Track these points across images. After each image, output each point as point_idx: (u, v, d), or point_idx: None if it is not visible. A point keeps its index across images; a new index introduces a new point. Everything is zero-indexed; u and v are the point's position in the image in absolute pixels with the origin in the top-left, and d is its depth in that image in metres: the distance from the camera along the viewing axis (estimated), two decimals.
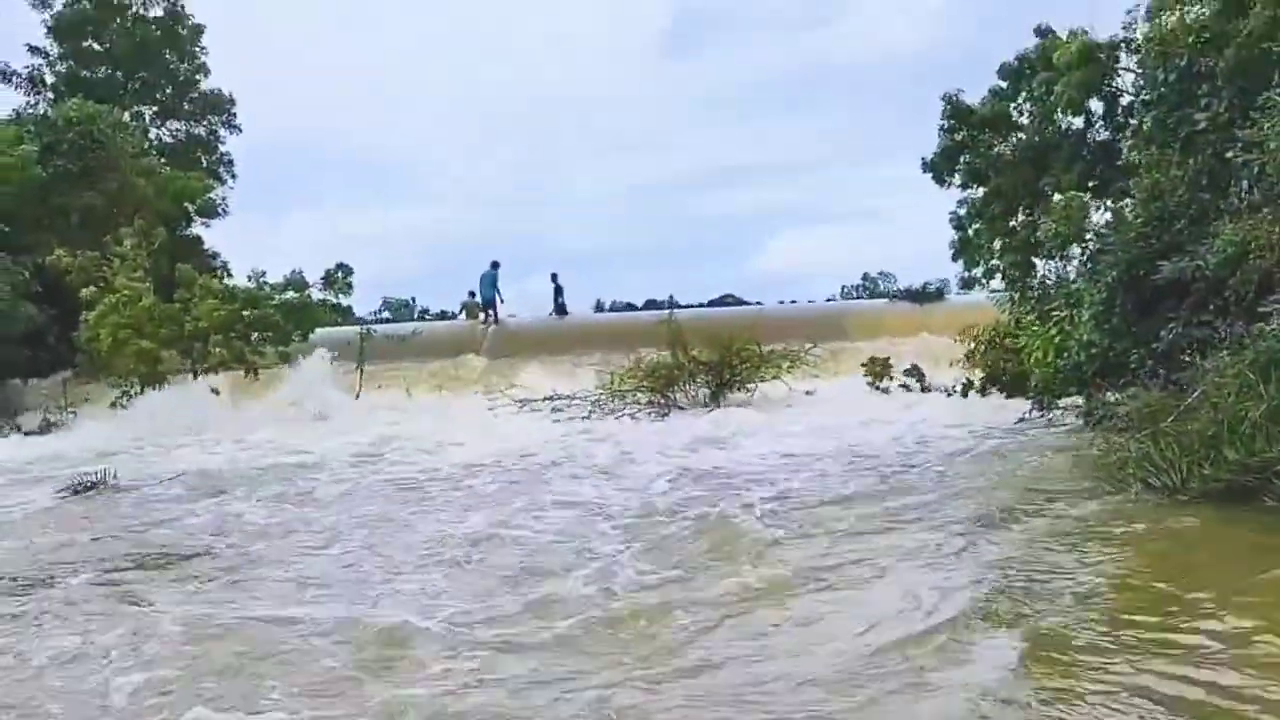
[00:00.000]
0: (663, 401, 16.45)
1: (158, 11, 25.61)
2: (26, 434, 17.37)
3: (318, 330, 20.18)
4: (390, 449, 13.10)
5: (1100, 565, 5.80)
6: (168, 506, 9.51)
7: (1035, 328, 11.81)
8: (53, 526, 8.78)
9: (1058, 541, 6.34)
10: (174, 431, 15.60)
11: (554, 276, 25.15)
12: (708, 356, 16.92)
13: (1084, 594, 5.17)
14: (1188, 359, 9.38)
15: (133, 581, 6.52)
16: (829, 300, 47.12)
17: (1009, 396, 13.43)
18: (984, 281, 17.95)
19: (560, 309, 25.05)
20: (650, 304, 45.37)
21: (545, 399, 16.84)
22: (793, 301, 42.14)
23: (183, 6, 25.70)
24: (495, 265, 23.77)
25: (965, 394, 15.16)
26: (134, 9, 25.36)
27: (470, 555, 6.90)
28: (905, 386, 17.06)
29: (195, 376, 18.68)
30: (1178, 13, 13.66)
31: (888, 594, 5.44)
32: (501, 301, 23.88)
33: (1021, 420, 12.15)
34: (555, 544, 7.13)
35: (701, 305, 44.33)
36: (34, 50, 24.80)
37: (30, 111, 23.47)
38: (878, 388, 17.25)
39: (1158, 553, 6.07)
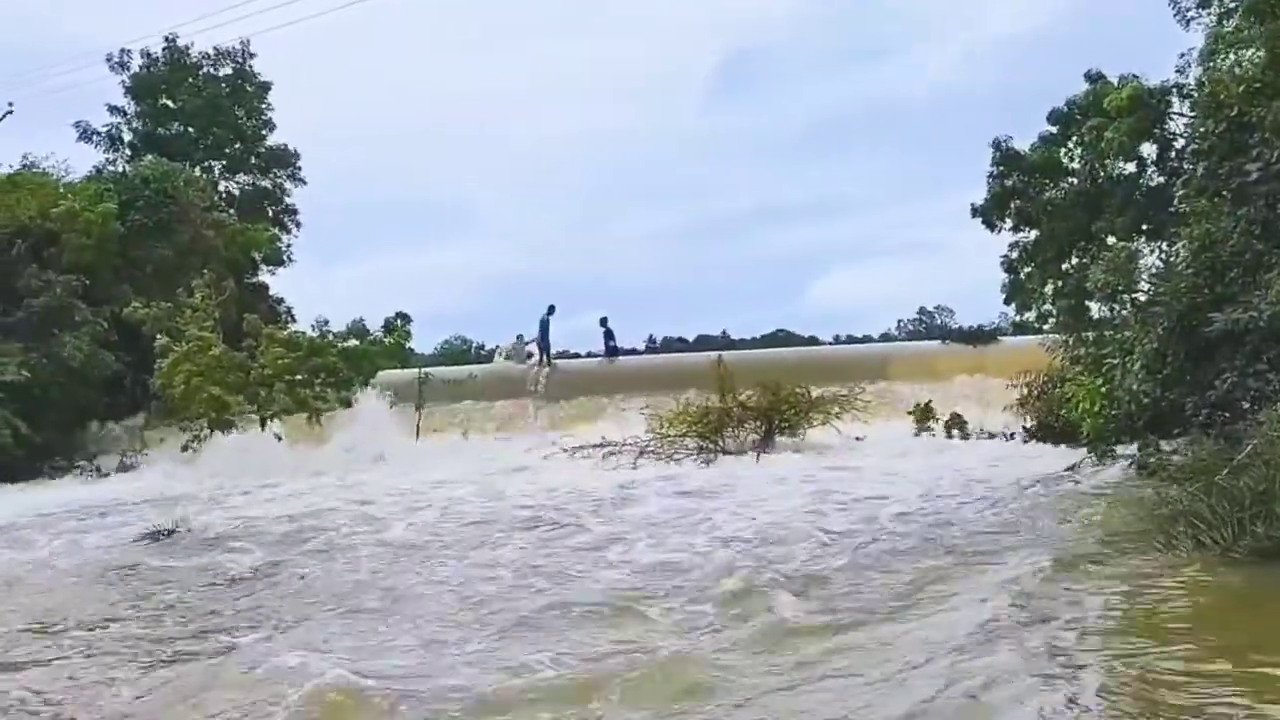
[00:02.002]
0: (711, 447, 16.60)
1: (227, 70, 26.86)
2: (104, 475, 18.27)
3: (379, 374, 20.83)
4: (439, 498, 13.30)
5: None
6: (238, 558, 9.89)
7: (1083, 379, 11.74)
8: (138, 580, 9.08)
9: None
10: (241, 474, 16.17)
11: (603, 321, 25.36)
12: (756, 402, 17.04)
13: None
14: (1245, 406, 9.34)
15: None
16: (884, 335, 46.93)
17: (1061, 445, 13.33)
18: (1037, 326, 17.81)
19: (612, 352, 25.30)
20: (702, 339, 45.63)
21: (596, 445, 17.08)
22: (848, 337, 42.09)
23: (250, 66, 26.91)
24: (551, 310, 24.24)
25: (1026, 440, 15.16)
26: (205, 69, 26.64)
27: None
28: (956, 431, 17.06)
29: (261, 421, 19.37)
30: (1232, 56, 13.69)
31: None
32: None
33: (1070, 469, 12.06)
34: None
35: (754, 339, 44.48)
36: (113, 110, 26.18)
37: (110, 169, 24.67)
38: (926, 431, 17.35)
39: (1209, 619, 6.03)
